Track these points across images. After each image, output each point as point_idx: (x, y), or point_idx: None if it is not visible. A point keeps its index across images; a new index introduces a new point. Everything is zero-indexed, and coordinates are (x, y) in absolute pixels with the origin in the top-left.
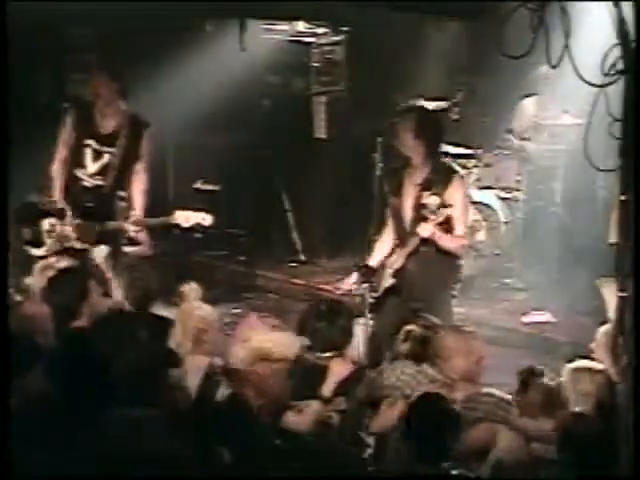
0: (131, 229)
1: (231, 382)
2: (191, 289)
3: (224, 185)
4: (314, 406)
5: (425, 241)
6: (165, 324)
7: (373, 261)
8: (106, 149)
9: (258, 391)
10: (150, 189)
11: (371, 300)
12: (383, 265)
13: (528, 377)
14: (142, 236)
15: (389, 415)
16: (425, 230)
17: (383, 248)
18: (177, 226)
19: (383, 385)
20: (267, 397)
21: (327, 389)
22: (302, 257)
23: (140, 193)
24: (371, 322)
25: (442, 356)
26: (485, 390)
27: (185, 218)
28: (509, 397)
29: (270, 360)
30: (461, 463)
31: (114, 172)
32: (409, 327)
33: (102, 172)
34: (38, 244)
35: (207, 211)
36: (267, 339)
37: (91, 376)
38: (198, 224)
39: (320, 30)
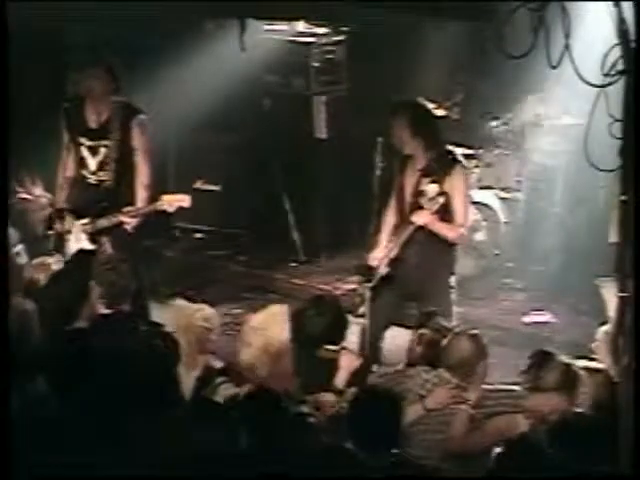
0: (127, 221)
1: (233, 381)
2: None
3: (224, 185)
4: (329, 399)
5: (421, 229)
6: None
7: (376, 255)
8: (100, 143)
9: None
10: (152, 183)
11: (368, 287)
12: (384, 255)
13: (540, 359)
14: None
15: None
16: (421, 218)
17: (385, 233)
18: (164, 212)
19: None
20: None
21: (340, 381)
22: (302, 257)
23: (142, 187)
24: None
25: (460, 364)
26: (493, 387)
27: (168, 202)
28: (516, 387)
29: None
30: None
31: (114, 166)
32: (422, 331)
33: (102, 167)
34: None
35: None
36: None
37: (89, 377)
38: (180, 207)
39: (320, 30)
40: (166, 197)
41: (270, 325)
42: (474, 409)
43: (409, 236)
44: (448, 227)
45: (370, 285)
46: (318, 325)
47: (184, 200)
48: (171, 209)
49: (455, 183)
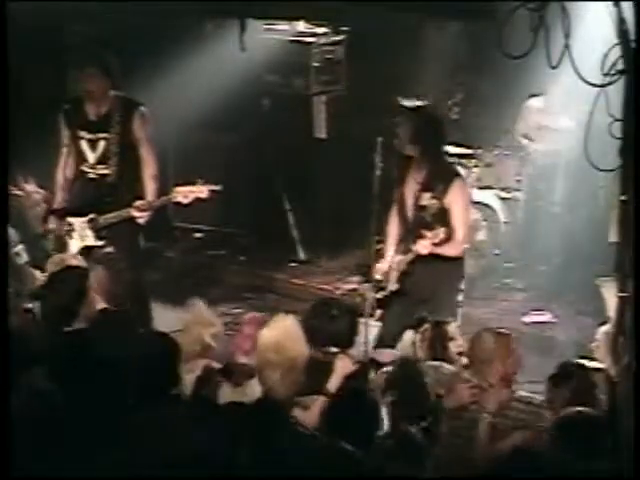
0: (137, 215)
1: (232, 381)
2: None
3: (224, 185)
4: (320, 402)
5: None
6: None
7: (382, 267)
8: (99, 136)
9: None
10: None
11: (378, 297)
12: (389, 266)
13: (563, 374)
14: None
15: None
16: (422, 248)
17: (390, 244)
18: (179, 203)
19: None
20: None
21: (333, 385)
22: (302, 257)
23: (150, 179)
24: (376, 323)
25: (482, 359)
26: (516, 395)
27: (183, 194)
28: (539, 399)
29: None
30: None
31: (116, 159)
32: (424, 327)
33: (103, 161)
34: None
35: (207, 182)
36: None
37: (89, 377)
38: (197, 198)
39: (320, 30)
40: (180, 188)
41: (288, 343)
42: (496, 417)
43: (412, 259)
44: (449, 246)
45: (381, 295)
46: (329, 328)
47: (202, 191)
48: (186, 201)
49: (454, 198)
